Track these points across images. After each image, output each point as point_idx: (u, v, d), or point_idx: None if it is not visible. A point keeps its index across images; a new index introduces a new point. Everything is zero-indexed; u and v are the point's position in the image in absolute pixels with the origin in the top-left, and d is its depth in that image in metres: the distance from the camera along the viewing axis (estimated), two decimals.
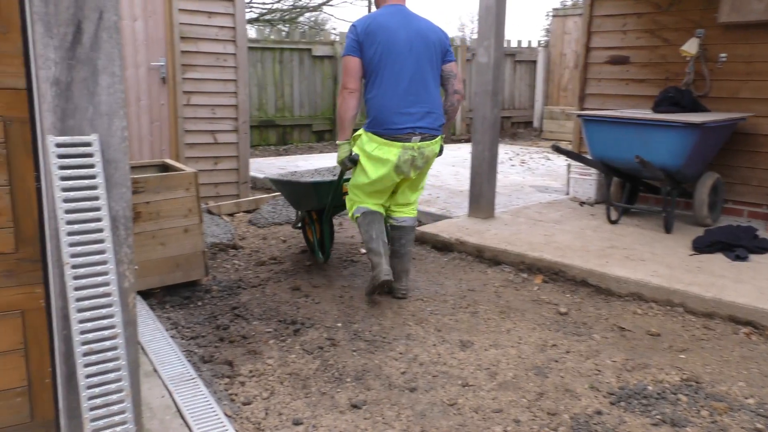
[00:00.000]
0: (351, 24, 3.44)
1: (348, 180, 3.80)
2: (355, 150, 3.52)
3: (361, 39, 3.35)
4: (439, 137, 3.55)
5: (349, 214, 3.71)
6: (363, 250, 4.51)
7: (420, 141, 3.39)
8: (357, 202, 3.65)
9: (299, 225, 4.55)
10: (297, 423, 2.39)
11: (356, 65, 3.37)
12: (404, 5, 3.53)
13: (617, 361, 2.93)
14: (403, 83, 3.36)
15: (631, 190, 5.33)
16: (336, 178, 3.97)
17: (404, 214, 3.72)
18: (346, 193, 3.81)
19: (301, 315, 3.42)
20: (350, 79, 3.37)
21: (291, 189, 4.13)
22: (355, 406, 2.51)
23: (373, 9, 3.69)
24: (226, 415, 2.38)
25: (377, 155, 3.39)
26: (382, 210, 3.65)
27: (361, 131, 3.54)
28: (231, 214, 5.68)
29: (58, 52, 1.64)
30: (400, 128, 3.35)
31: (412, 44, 3.38)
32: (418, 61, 3.39)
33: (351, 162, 3.50)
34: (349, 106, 3.38)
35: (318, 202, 4.00)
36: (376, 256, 3.46)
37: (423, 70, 3.41)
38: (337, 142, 3.56)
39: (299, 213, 4.42)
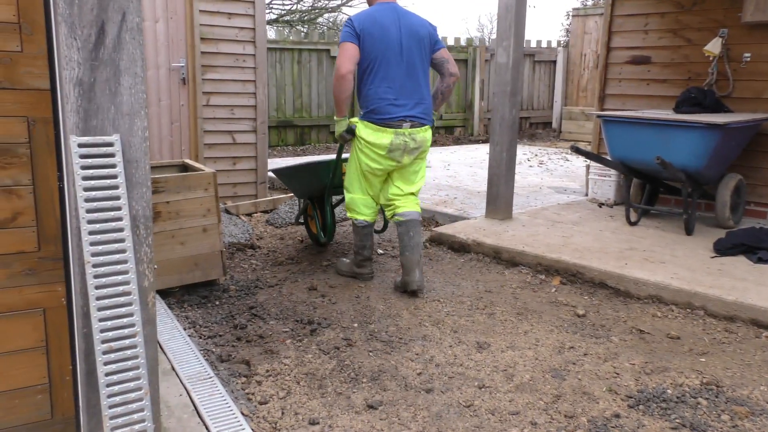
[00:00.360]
0: (348, 19, 3.67)
1: (346, 160, 4.03)
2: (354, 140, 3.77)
3: (359, 32, 3.58)
4: (429, 126, 3.79)
5: (348, 212, 3.94)
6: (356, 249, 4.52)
7: (410, 128, 3.65)
8: (353, 194, 3.87)
9: (301, 220, 4.65)
10: (313, 423, 2.40)
11: (354, 51, 3.58)
12: (396, 3, 3.77)
13: (636, 364, 2.90)
14: (399, 79, 3.63)
15: (651, 191, 5.27)
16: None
17: (408, 208, 3.80)
18: (344, 174, 4.01)
19: (318, 315, 3.43)
20: (347, 63, 3.56)
21: (293, 175, 4.32)
22: (371, 407, 2.52)
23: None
24: (242, 414, 2.39)
25: (371, 140, 3.63)
26: (375, 218, 3.95)
27: (356, 120, 3.78)
28: (249, 214, 5.72)
29: (82, 53, 1.66)
30: (393, 117, 3.62)
31: (406, 41, 3.64)
32: (411, 57, 3.66)
33: (349, 134, 3.74)
34: (344, 88, 3.58)
35: (320, 182, 4.20)
36: (365, 260, 3.98)
37: (415, 65, 3.68)
38: (335, 118, 3.79)
39: (301, 205, 4.58)
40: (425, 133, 3.73)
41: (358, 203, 3.85)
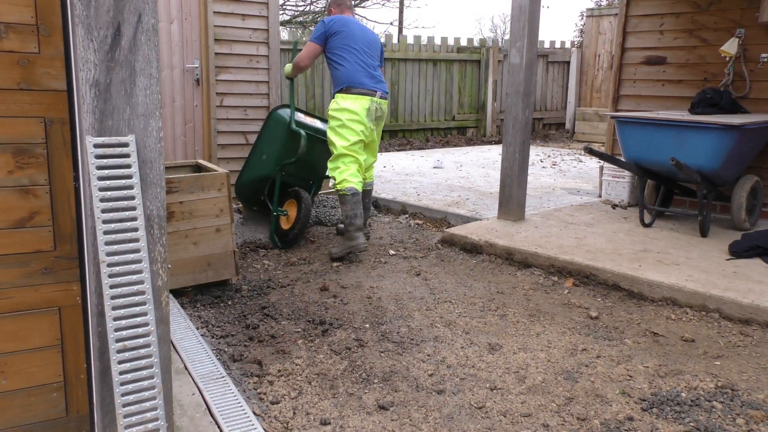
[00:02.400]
0: (321, 21, 4.53)
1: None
2: (332, 114, 4.42)
3: (328, 32, 4.44)
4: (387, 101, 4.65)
5: (337, 184, 4.39)
6: (341, 224, 5.24)
7: (378, 98, 4.49)
8: (342, 171, 4.38)
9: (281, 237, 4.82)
10: (324, 423, 2.41)
11: (317, 51, 4.50)
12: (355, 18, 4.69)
13: (649, 366, 2.88)
14: (363, 61, 4.47)
15: (665, 192, 5.23)
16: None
17: (369, 179, 4.81)
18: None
19: (330, 315, 3.44)
20: (309, 61, 4.53)
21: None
22: (382, 408, 2.52)
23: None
24: (254, 413, 2.41)
25: (352, 108, 4.36)
26: (361, 187, 4.53)
27: (334, 99, 4.44)
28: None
29: (98, 55, 1.68)
30: (368, 87, 4.44)
31: (365, 40, 4.55)
32: (370, 51, 4.55)
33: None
34: (296, 73, 4.62)
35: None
36: (357, 231, 4.38)
37: (373, 57, 4.58)
38: (287, 68, 4.65)
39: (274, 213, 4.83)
40: (385, 106, 4.60)
41: (347, 174, 4.38)
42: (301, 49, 4.71)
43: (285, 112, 4.74)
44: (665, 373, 2.82)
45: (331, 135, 4.43)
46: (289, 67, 4.66)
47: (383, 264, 4.37)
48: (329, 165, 4.50)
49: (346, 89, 4.40)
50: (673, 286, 3.63)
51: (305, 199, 4.65)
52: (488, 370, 2.84)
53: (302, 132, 4.55)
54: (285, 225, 4.78)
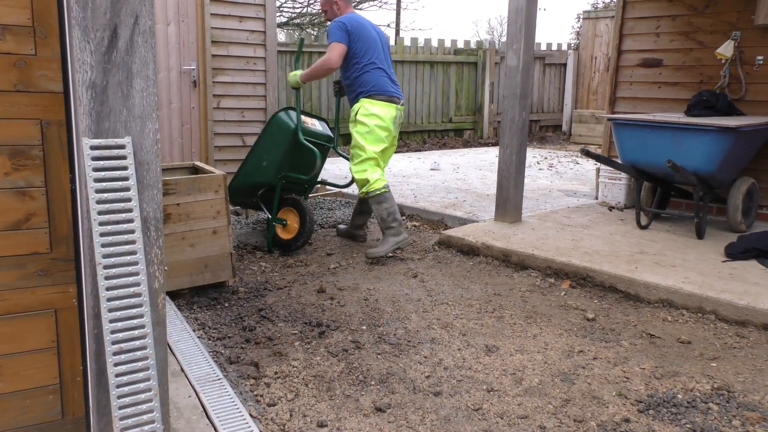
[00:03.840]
0: (340, 22, 4.37)
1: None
2: (360, 119, 4.39)
3: (351, 32, 4.34)
4: None
5: (369, 187, 4.40)
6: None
7: (400, 105, 4.55)
8: (371, 173, 4.39)
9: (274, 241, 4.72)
10: (321, 425, 2.40)
11: (345, 50, 4.35)
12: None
13: (646, 368, 2.88)
14: (384, 65, 4.48)
15: (662, 194, 5.24)
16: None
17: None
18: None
19: (327, 317, 3.44)
20: (339, 59, 4.34)
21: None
22: (379, 410, 2.52)
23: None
24: (251, 416, 2.40)
25: (381, 114, 4.39)
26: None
27: (361, 103, 4.40)
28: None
29: (95, 57, 1.68)
30: (393, 94, 4.48)
31: (381, 41, 4.53)
32: (386, 51, 4.56)
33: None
34: (323, 75, 4.48)
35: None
36: (400, 225, 4.45)
37: (388, 59, 4.58)
38: (300, 74, 4.47)
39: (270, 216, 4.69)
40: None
41: (375, 175, 4.42)
42: (304, 51, 4.68)
43: (289, 116, 4.53)
44: (662, 374, 2.83)
45: (359, 139, 4.40)
46: (296, 75, 4.50)
47: (380, 266, 4.37)
48: (354, 168, 4.44)
49: (374, 95, 4.40)
50: (669, 288, 3.64)
51: (309, 212, 4.52)
52: (485, 372, 2.84)
53: (317, 151, 4.45)
54: (283, 234, 4.63)
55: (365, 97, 4.40)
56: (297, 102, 4.57)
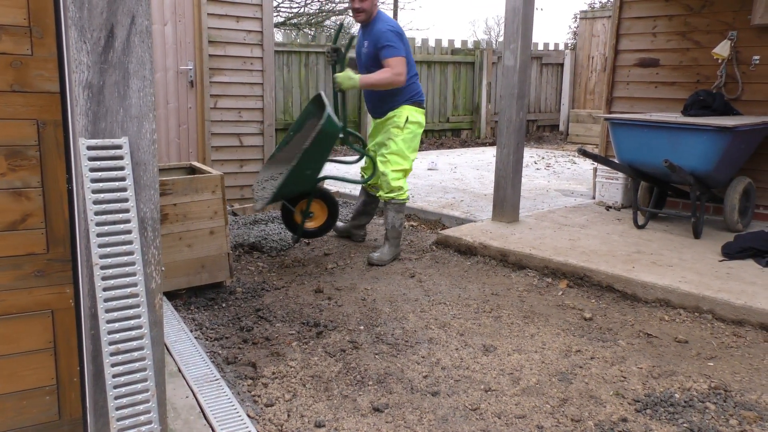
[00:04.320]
0: (394, 29, 4.20)
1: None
2: (408, 126, 4.33)
3: (404, 40, 4.25)
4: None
5: (402, 194, 4.40)
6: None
7: None
8: (404, 181, 4.42)
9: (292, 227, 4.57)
10: (319, 425, 2.40)
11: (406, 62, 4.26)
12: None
13: (643, 367, 2.89)
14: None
15: (659, 194, 5.25)
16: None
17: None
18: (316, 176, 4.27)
19: (324, 317, 3.43)
20: (405, 73, 4.20)
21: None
22: (377, 410, 2.52)
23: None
24: (248, 416, 2.40)
25: (422, 122, 4.45)
26: None
27: (406, 110, 4.33)
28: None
29: (91, 57, 1.68)
30: (424, 100, 4.51)
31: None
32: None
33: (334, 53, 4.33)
34: (384, 89, 4.26)
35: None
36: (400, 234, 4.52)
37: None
38: (360, 78, 4.20)
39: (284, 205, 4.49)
40: None
41: (405, 184, 4.44)
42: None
43: (332, 121, 4.00)
44: (659, 374, 2.83)
45: (402, 146, 4.33)
46: (353, 79, 4.14)
47: (378, 266, 4.37)
48: (391, 174, 4.31)
49: (418, 103, 4.39)
50: (666, 288, 3.65)
51: (335, 201, 4.58)
52: (483, 372, 2.85)
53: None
54: (309, 224, 4.54)
55: (411, 104, 4.35)
56: (342, 105, 4.35)
